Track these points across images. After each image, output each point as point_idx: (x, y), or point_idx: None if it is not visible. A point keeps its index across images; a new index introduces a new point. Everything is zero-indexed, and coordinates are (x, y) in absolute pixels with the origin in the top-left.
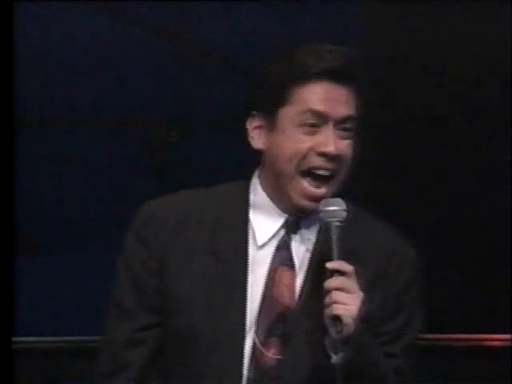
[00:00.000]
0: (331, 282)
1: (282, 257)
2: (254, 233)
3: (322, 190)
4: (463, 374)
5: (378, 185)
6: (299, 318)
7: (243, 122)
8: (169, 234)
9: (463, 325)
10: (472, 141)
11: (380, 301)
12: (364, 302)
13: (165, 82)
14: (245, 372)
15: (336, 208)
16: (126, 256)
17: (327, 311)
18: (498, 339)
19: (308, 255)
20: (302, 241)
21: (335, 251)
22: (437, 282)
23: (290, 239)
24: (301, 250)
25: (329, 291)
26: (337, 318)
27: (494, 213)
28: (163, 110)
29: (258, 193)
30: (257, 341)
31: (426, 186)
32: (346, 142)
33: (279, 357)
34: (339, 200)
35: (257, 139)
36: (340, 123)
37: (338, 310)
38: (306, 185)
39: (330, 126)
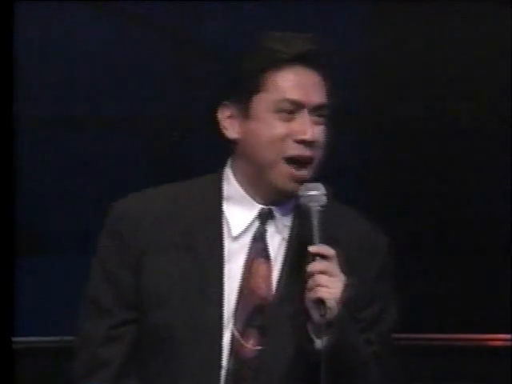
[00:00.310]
0: (314, 266)
1: (258, 248)
2: (228, 224)
3: (305, 172)
4: (463, 374)
5: (378, 184)
6: (278, 308)
7: (214, 113)
8: (144, 230)
9: (463, 325)
10: (472, 140)
11: (357, 291)
12: (346, 285)
13: (165, 81)
14: (224, 364)
15: (316, 193)
16: (101, 254)
17: (310, 295)
18: (498, 339)
19: (284, 244)
20: (277, 230)
21: (316, 235)
22: (436, 281)
23: (265, 230)
24: (276, 240)
25: (312, 275)
26: (320, 301)
27: (494, 213)
28: (164, 109)
29: (231, 184)
30: (235, 332)
31: (425, 186)
32: (321, 128)
33: (259, 347)
34: (319, 185)
35: (230, 129)
36: (315, 110)
37: (321, 292)
38: (290, 168)
39: (305, 112)
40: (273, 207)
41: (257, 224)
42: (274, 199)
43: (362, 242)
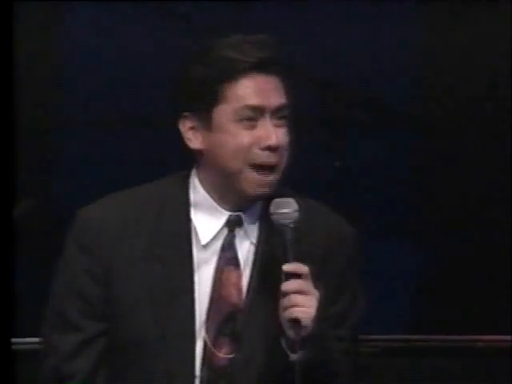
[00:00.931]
0: (289, 285)
1: (228, 256)
2: (196, 233)
3: (272, 177)
4: (463, 374)
5: (378, 184)
6: (249, 316)
7: (176, 124)
8: (111, 239)
9: (463, 325)
10: (473, 141)
11: (324, 283)
12: (320, 302)
13: None
14: (197, 373)
15: (288, 210)
16: (67, 264)
17: (286, 314)
18: (498, 340)
19: (252, 250)
20: (246, 237)
21: (291, 253)
22: (436, 283)
23: (233, 237)
24: (245, 247)
25: (287, 294)
26: (296, 321)
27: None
28: None
29: (198, 192)
30: (208, 341)
31: (426, 186)
32: (283, 130)
33: (231, 356)
34: (291, 200)
35: (194, 140)
36: (276, 113)
37: (297, 313)
38: (256, 174)
39: (267, 117)
40: (241, 214)
41: (225, 232)
42: (242, 205)
43: (330, 234)
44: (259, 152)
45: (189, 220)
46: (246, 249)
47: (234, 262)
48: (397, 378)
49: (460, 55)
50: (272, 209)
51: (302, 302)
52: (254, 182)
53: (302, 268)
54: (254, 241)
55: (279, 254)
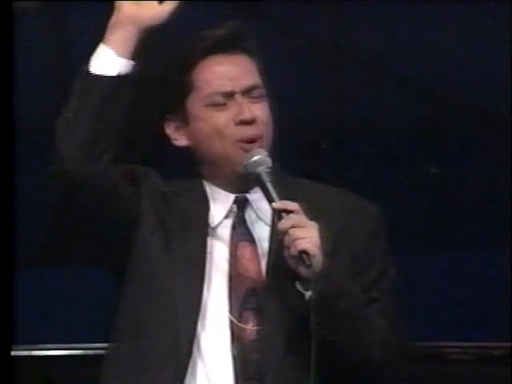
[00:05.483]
0: (284, 223)
1: (240, 233)
2: (212, 218)
3: (255, 147)
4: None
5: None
6: (271, 289)
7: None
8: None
9: (463, 333)
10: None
11: (349, 256)
12: (320, 230)
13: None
14: (230, 351)
15: (260, 156)
16: None
17: (291, 251)
18: (498, 347)
19: (267, 229)
20: (259, 219)
21: (274, 194)
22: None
23: (243, 215)
24: (259, 227)
25: (285, 232)
26: (303, 253)
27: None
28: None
29: (207, 185)
30: (233, 319)
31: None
32: (259, 106)
33: (258, 328)
34: (260, 149)
35: (179, 138)
36: (247, 94)
37: (301, 244)
38: (239, 149)
39: (238, 98)
40: (247, 194)
41: (235, 212)
42: (246, 187)
43: (350, 209)
44: (235, 128)
45: (207, 205)
46: (260, 228)
47: (248, 237)
48: None
49: None
50: (244, 161)
51: (303, 233)
52: (239, 157)
53: (292, 204)
54: (268, 222)
55: None
